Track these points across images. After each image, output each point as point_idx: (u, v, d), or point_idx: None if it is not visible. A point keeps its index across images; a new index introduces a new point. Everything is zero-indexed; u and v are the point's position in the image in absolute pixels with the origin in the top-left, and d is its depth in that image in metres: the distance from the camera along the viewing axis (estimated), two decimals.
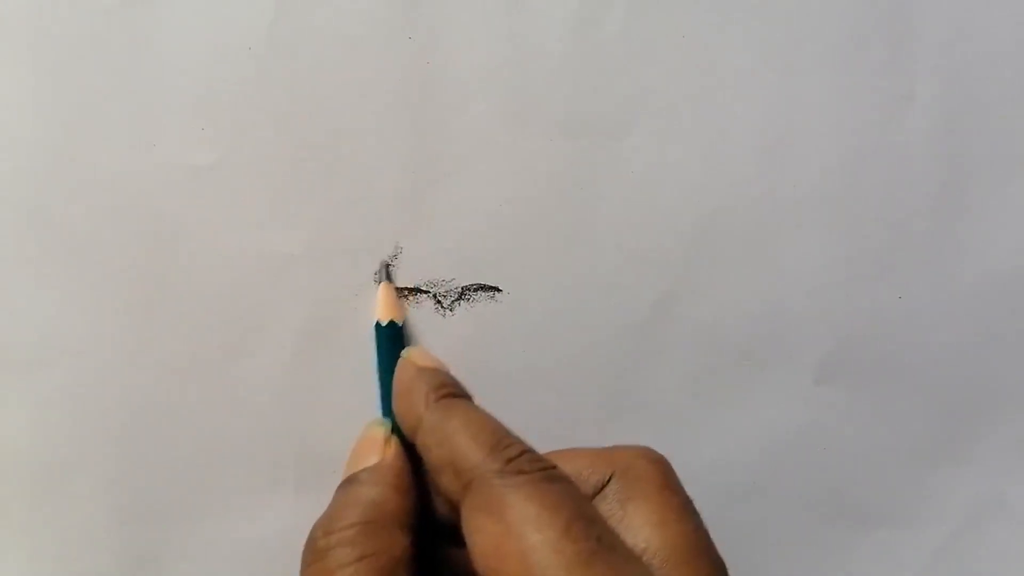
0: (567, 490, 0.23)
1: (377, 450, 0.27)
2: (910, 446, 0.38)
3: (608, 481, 0.26)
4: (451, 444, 0.25)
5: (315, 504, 0.32)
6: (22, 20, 0.29)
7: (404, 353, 0.29)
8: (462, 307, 0.33)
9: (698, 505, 0.26)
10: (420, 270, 0.33)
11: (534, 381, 0.34)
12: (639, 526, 0.25)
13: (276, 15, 0.31)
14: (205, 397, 0.32)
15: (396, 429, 0.28)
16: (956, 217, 0.36)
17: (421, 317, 0.33)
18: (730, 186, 0.35)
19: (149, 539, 0.32)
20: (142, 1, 0.30)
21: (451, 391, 0.27)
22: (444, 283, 0.33)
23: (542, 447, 0.34)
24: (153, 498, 0.32)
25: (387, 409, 0.30)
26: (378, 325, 0.32)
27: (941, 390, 0.37)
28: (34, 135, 0.30)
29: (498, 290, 0.34)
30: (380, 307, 0.32)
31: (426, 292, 0.33)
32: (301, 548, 0.32)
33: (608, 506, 0.26)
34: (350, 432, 0.32)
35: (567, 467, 0.25)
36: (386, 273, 0.32)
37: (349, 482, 0.27)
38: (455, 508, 0.24)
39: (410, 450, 0.28)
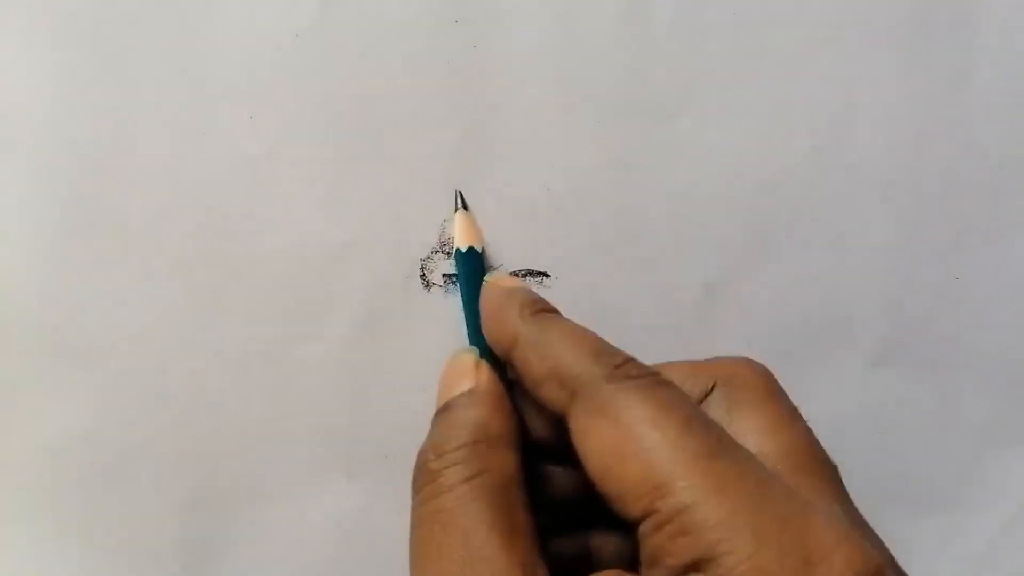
0: (678, 392, 0.23)
1: (469, 376, 0.27)
2: (967, 430, 0.37)
3: (711, 390, 0.26)
4: (554, 355, 0.24)
5: (368, 491, 0.33)
6: (71, 12, 0.30)
7: (487, 278, 0.30)
8: None
9: None
10: None
11: None
12: (749, 432, 0.24)
13: (322, 2, 0.31)
14: (260, 386, 0.32)
15: (483, 356, 0.28)
16: (1014, 197, 0.36)
17: None
18: (784, 168, 0.34)
19: (206, 524, 0.32)
20: None
21: (542, 306, 0.27)
22: (492, 269, 0.33)
23: None
24: (211, 484, 0.32)
25: (473, 338, 0.30)
26: (458, 252, 0.32)
27: (998, 373, 0.37)
28: (86, 128, 0.30)
29: (547, 275, 0.33)
30: (459, 235, 0.32)
31: None
32: (353, 533, 0.33)
33: (714, 413, 0.25)
34: (402, 419, 0.32)
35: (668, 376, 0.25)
36: (462, 201, 0.32)
37: (448, 408, 0.27)
38: (560, 418, 0.24)
39: (500, 375, 0.28)
